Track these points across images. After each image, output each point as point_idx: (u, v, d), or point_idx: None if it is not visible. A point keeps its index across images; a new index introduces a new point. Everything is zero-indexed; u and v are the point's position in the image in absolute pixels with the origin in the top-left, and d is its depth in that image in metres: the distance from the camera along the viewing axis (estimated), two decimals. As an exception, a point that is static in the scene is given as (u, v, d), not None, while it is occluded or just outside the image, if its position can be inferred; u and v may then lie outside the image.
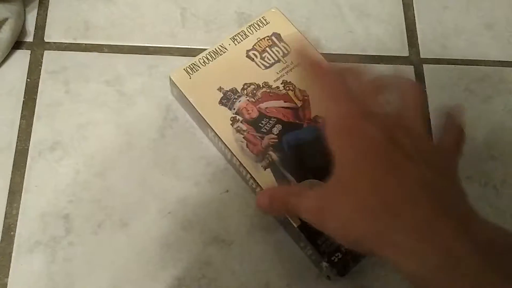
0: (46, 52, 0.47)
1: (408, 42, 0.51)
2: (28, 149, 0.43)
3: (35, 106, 0.45)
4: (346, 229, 0.32)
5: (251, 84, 0.43)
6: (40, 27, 0.48)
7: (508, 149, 0.47)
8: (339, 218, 0.32)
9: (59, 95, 0.45)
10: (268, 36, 0.45)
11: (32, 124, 0.44)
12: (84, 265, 0.40)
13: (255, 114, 0.42)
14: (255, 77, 0.43)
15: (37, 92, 0.45)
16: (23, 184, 0.42)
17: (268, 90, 0.43)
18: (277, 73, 0.44)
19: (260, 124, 0.42)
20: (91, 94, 0.45)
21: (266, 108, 0.42)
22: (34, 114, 0.44)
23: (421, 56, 0.50)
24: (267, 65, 0.44)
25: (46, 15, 0.48)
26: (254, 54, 0.44)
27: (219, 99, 0.42)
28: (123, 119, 0.45)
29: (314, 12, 0.51)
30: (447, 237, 0.29)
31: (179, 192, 0.43)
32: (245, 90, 0.43)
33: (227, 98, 0.42)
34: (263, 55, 0.44)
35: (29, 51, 0.47)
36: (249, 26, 0.45)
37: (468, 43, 0.51)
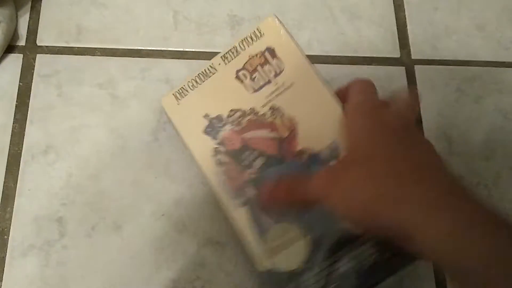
0: (38, 56, 0.47)
1: (399, 43, 0.51)
2: (21, 153, 0.43)
3: (27, 109, 0.45)
4: (353, 193, 0.33)
5: (237, 110, 0.41)
6: (32, 31, 0.48)
7: (499, 149, 0.47)
8: (347, 183, 0.33)
9: (51, 98, 0.45)
10: (261, 52, 0.42)
11: (25, 127, 0.44)
12: (78, 268, 0.40)
13: (238, 145, 0.40)
14: (242, 102, 0.41)
15: (29, 95, 0.45)
16: (16, 188, 0.42)
17: (254, 118, 0.41)
18: (266, 97, 0.41)
19: (242, 157, 0.40)
20: (84, 98, 0.45)
21: (250, 138, 0.40)
22: (27, 118, 0.44)
23: (413, 57, 0.50)
24: (256, 87, 0.41)
25: (38, 18, 0.48)
26: (243, 74, 0.41)
27: (204, 128, 0.40)
28: (116, 122, 0.45)
29: (305, 14, 0.51)
30: (455, 207, 0.30)
31: (173, 194, 0.43)
32: (230, 118, 0.40)
33: (212, 127, 0.40)
34: (253, 76, 0.41)
35: (21, 55, 0.47)
36: (242, 40, 0.42)
37: (459, 43, 0.52)
